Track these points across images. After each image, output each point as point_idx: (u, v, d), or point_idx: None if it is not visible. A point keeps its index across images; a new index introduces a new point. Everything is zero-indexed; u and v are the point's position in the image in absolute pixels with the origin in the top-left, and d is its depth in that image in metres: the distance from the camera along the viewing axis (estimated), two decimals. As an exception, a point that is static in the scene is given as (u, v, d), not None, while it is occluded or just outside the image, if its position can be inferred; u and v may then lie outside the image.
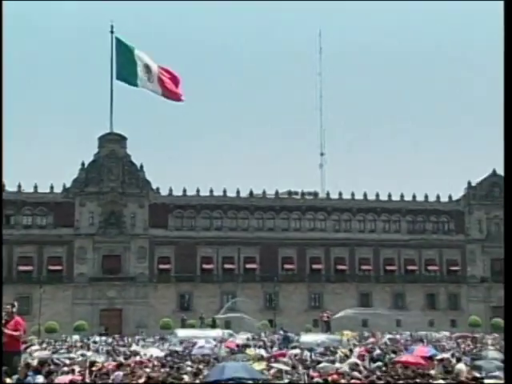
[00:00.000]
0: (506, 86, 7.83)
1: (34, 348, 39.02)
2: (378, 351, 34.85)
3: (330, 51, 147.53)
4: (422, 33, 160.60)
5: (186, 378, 21.13)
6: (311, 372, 22.32)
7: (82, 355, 33.73)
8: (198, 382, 19.41)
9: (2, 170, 21.16)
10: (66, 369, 22.48)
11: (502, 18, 8.59)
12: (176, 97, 52.82)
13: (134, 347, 44.83)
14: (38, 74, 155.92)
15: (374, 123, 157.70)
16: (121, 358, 32.35)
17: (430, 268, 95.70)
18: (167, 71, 53.74)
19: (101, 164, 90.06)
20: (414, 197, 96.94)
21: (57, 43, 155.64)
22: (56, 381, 18.14)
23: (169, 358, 33.02)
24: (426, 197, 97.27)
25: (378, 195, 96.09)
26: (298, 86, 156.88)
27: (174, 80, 52.50)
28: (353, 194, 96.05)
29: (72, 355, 35.73)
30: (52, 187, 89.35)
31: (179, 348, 43.78)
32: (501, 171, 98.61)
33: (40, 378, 17.45)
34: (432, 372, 22.28)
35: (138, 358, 31.96)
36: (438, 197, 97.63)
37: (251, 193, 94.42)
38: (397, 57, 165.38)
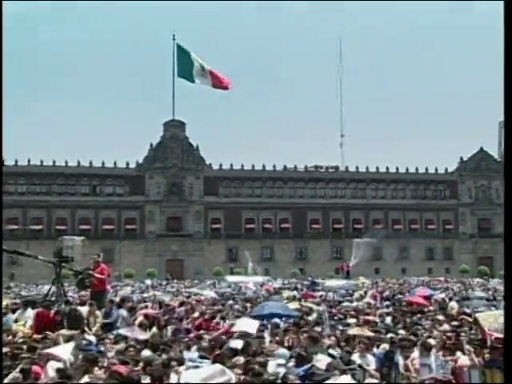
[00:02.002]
0: (505, 86, 7.18)
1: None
2: (387, 293, 34.92)
3: (350, 37, 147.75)
4: (430, 19, 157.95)
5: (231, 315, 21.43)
6: (333, 309, 22.52)
7: (153, 295, 34.28)
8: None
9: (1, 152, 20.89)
10: (141, 305, 22.83)
11: (502, 18, 7.70)
12: (224, 86, 53.56)
13: (192, 289, 45.22)
14: (120, 73, 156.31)
15: (387, 107, 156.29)
16: (183, 298, 32.78)
17: (429, 227, 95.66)
18: (214, 73, 54.62)
19: (165, 145, 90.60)
20: (416, 169, 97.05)
21: (134, 50, 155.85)
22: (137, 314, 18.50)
23: (220, 298, 33.39)
24: (426, 169, 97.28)
25: (387, 168, 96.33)
26: (321, 75, 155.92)
27: (222, 76, 53.49)
28: (367, 168, 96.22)
29: (145, 295, 36.27)
30: (128, 163, 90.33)
31: (228, 290, 44.15)
32: (487, 148, 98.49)
33: (124, 312, 17.78)
34: (430, 308, 22.49)
35: (196, 298, 32.37)
36: (436, 169, 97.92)
37: (285, 167, 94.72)
38: (406, 41, 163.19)
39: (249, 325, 14.23)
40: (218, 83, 53.63)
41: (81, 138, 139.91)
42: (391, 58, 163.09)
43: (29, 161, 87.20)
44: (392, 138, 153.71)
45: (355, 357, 11.77)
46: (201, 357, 11.28)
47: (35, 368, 9.55)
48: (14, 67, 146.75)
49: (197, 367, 9.42)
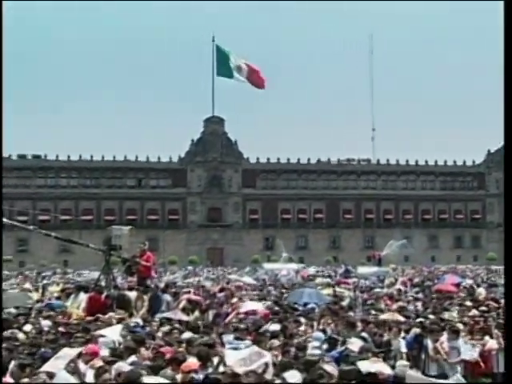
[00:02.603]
0: (505, 86, 6.93)
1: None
2: (417, 279, 34.70)
3: (380, 33, 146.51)
4: (456, 17, 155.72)
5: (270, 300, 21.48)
6: (366, 295, 22.45)
7: (195, 281, 34.55)
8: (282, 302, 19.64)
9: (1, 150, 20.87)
10: (184, 290, 23.00)
11: (502, 18, 7.28)
12: (260, 85, 53.85)
13: (232, 276, 45.40)
14: (161, 73, 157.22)
15: (416, 102, 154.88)
16: (223, 284, 32.95)
17: (457, 216, 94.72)
18: (251, 67, 54.87)
19: (205, 140, 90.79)
20: (445, 162, 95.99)
21: (174, 51, 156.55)
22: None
23: (258, 284, 33.48)
24: (455, 162, 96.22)
25: (416, 161, 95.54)
26: (352, 72, 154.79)
27: (257, 73, 53.81)
28: (397, 160, 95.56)
29: (188, 281, 36.55)
30: (171, 158, 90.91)
31: (265, 277, 44.21)
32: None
33: (168, 297, 17.96)
34: (459, 295, 22.28)
35: (235, 284, 32.51)
36: (464, 162, 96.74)
37: (319, 160, 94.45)
38: (433, 35, 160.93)
39: (254, 305, 14.27)
40: (255, 81, 53.99)
41: (127, 134, 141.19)
42: (420, 52, 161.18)
43: (80, 156, 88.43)
44: (421, 132, 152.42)
45: (387, 341, 11.75)
46: (236, 338, 11.35)
47: (91, 346, 9.72)
48: (65, 67, 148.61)
49: (235, 349, 9.48)
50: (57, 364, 8.12)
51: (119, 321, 13.73)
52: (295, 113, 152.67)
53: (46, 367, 8.13)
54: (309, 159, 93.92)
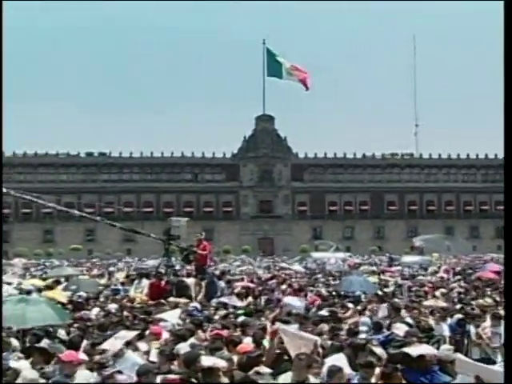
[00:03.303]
0: (505, 86, 6.49)
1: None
2: (458, 268, 34.16)
3: (423, 27, 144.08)
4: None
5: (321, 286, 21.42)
6: (409, 282, 22.20)
7: (248, 269, 34.74)
8: (330, 289, 19.59)
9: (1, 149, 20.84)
10: (237, 277, 23.16)
11: (502, 18, 6.85)
12: (306, 86, 54.07)
13: (282, 264, 45.44)
14: (215, 74, 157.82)
15: (457, 96, 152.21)
16: (274, 272, 33.04)
17: (498, 208, 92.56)
18: (298, 68, 55.10)
19: (257, 136, 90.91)
20: (486, 155, 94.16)
21: (229, 52, 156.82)
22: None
23: (307, 272, 33.46)
24: (496, 155, 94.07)
25: (458, 154, 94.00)
26: (396, 68, 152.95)
27: (304, 74, 54.11)
28: (439, 154, 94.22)
29: (241, 268, 36.78)
30: (224, 154, 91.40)
31: (313, 265, 44.13)
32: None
33: (223, 284, 18.10)
34: (501, 282, 21.82)
35: (285, 271, 32.56)
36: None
37: (364, 155, 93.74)
38: (475, 30, 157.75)
39: (294, 301, 14.16)
40: (301, 82, 54.18)
41: (184, 132, 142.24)
42: (462, 50, 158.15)
43: (141, 153, 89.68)
44: (462, 126, 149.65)
45: (431, 326, 11.61)
46: (284, 322, 11.33)
47: (155, 328, 9.85)
48: (129, 69, 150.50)
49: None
50: (115, 343, 8.26)
51: (178, 305, 13.88)
52: (342, 110, 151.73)
53: (106, 345, 8.30)
54: (354, 154, 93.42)
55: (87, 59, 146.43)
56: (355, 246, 78.72)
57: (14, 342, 8.98)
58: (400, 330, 10.13)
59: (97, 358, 7.92)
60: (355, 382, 6.96)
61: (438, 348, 9.24)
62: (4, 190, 18.69)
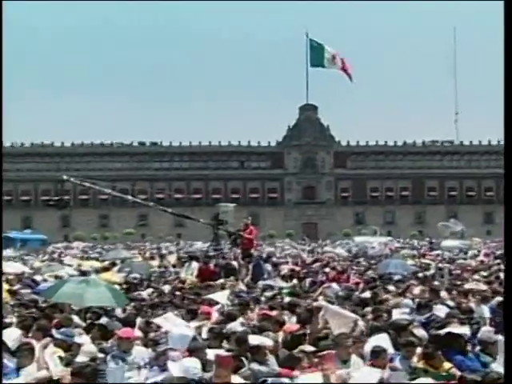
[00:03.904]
0: (505, 86, 6.18)
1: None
2: (499, 252, 33.50)
3: (464, 15, 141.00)
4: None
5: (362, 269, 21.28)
6: (450, 266, 21.88)
7: (293, 252, 34.75)
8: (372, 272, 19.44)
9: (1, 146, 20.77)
10: (283, 261, 23.21)
11: (502, 18, 6.50)
12: (349, 76, 53.59)
13: (325, 248, 45.32)
14: (260, 65, 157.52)
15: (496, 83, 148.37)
16: (317, 255, 32.99)
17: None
18: (341, 59, 54.69)
19: (300, 125, 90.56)
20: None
21: (272, 46, 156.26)
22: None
23: (349, 255, 33.31)
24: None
25: (498, 141, 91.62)
26: (436, 58, 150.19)
27: (346, 65, 53.66)
28: (480, 141, 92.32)
29: (286, 252, 36.82)
30: (269, 142, 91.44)
31: (356, 249, 43.85)
32: None
33: (269, 266, 18.14)
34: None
35: (328, 255, 32.47)
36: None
37: (405, 142, 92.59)
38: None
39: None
40: (344, 72, 53.74)
41: (231, 121, 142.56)
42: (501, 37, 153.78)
43: (190, 142, 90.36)
44: (501, 113, 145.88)
45: (471, 308, 11.43)
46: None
47: (205, 308, 9.95)
48: (177, 62, 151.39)
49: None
50: (166, 323, 8.38)
51: (225, 287, 13.96)
52: (383, 99, 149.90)
53: (158, 322, 8.43)
54: (395, 141, 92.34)
55: (138, 50, 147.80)
56: (396, 231, 77.99)
57: (76, 319, 9.20)
58: (441, 311, 10.02)
59: (151, 335, 8.06)
60: (397, 361, 6.91)
61: (478, 330, 9.11)
62: (64, 178, 19.12)
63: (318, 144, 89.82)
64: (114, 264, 21.76)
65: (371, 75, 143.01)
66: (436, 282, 14.81)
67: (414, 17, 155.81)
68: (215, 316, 9.66)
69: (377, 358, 6.68)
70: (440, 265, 20.63)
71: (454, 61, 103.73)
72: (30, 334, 7.85)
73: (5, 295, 11.04)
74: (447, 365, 6.62)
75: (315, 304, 9.42)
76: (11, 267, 19.25)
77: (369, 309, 10.57)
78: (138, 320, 9.32)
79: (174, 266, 21.26)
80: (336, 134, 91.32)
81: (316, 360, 6.74)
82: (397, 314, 10.16)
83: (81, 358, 6.95)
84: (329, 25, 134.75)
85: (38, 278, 16.85)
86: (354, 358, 7.01)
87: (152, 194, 70.53)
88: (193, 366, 5.99)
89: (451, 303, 11.40)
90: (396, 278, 16.65)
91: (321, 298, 11.62)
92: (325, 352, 5.43)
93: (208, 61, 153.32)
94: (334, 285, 13.92)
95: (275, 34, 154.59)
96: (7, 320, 9.22)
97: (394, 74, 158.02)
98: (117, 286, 13.13)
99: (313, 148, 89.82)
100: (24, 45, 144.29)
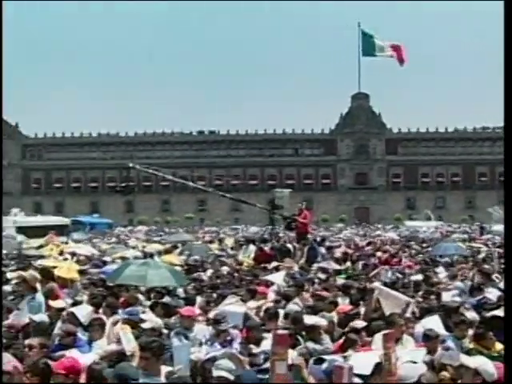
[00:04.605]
0: (505, 86, 5.84)
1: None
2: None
3: None
4: None
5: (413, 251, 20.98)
6: (500, 250, 21.36)
7: (346, 236, 34.57)
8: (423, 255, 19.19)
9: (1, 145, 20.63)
10: (336, 244, 23.11)
11: (502, 18, 6.12)
12: (401, 60, 52.69)
13: (377, 232, 44.97)
14: (313, 56, 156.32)
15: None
16: (370, 239, 32.69)
17: None
18: (394, 45, 53.64)
19: (352, 113, 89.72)
20: None
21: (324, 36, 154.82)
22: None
23: (401, 239, 32.86)
24: None
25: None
26: (485, 44, 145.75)
27: (400, 49, 52.65)
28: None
29: (339, 236, 36.65)
30: (322, 130, 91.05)
31: (407, 233, 43.33)
32: None
33: (323, 249, 18.09)
34: None
35: (380, 239, 32.17)
36: None
37: (455, 129, 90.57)
38: None
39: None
40: (397, 58, 52.81)
41: (285, 109, 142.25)
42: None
43: (246, 131, 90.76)
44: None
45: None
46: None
47: (262, 289, 10.02)
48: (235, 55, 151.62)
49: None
50: (226, 303, 8.49)
51: (279, 268, 13.98)
52: (434, 86, 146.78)
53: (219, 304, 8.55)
54: (446, 128, 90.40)
55: (198, 44, 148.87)
56: (447, 216, 76.46)
57: (141, 298, 9.42)
58: (492, 294, 9.82)
59: (211, 314, 8.18)
60: (449, 343, 6.82)
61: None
62: (130, 165, 19.52)
63: (369, 131, 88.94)
64: (175, 247, 22.12)
65: (422, 62, 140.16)
66: (487, 266, 14.47)
67: (465, 3, 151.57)
68: (271, 296, 9.72)
69: (428, 340, 6.59)
70: (490, 248, 20.16)
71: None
72: (100, 311, 8.09)
73: (75, 275, 11.38)
74: (499, 346, 6.48)
75: (369, 286, 9.37)
76: (81, 249, 19.82)
77: (420, 291, 10.46)
78: (199, 299, 9.47)
79: (231, 249, 21.47)
80: (387, 122, 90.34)
81: (369, 339, 6.73)
82: (448, 297, 10.02)
83: (147, 326, 7.15)
84: (380, 13, 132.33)
85: (105, 259, 17.29)
86: (405, 337, 6.96)
87: (210, 181, 71.31)
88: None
89: (502, 286, 11.14)
90: (447, 260, 16.38)
91: (374, 280, 11.57)
92: (386, 331, 5.39)
93: (262, 51, 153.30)
94: (387, 267, 13.80)
95: (328, 23, 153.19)
96: (78, 298, 9.55)
97: (444, 61, 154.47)
98: (178, 268, 13.38)
99: (365, 135, 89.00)
100: (89, 37, 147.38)
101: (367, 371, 4.85)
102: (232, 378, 5.11)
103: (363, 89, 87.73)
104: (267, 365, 5.41)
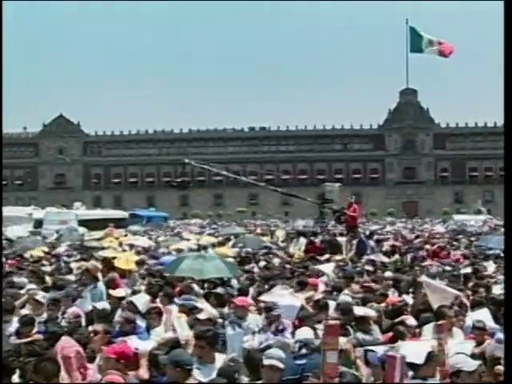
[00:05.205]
0: (506, 86, 5.50)
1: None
2: None
3: None
4: None
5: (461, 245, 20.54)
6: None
7: (394, 230, 34.10)
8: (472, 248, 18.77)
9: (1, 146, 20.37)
10: (384, 237, 22.83)
11: (502, 18, 5.87)
12: (447, 54, 51.90)
13: (425, 226, 44.22)
14: (361, 52, 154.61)
15: None
16: (418, 232, 32.16)
17: None
18: (441, 42, 52.83)
19: (400, 109, 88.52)
20: None
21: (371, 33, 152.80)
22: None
23: (449, 233, 32.24)
24: None
25: None
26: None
27: (449, 48, 51.80)
28: None
29: (388, 229, 36.15)
30: (371, 125, 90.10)
31: (455, 226, 42.48)
32: None
33: (371, 243, 17.92)
34: None
35: (428, 232, 31.61)
36: None
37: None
38: None
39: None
40: (443, 52, 52.02)
41: (335, 105, 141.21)
42: None
43: (296, 127, 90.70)
44: None
45: None
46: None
47: (312, 280, 9.99)
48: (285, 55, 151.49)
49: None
50: (271, 296, 8.50)
51: (329, 260, 13.91)
52: (481, 80, 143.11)
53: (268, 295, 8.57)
54: (495, 122, 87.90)
55: (251, 42, 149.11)
56: (495, 210, 74.39)
57: (196, 288, 9.53)
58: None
59: (262, 304, 8.21)
60: (499, 335, 6.65)
61: None
62: (186, 161, 19.79)
63: (417, 126, 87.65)
64: (228, 239, 22.27)
65: (470, 58, 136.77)
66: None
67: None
68: (322, 287, 9.68)
69: (477, 332, 6.45)
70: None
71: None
72: (157, 300, 8.22)
73: (133, 266, 11.61)
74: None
75: (419, 279, 9.23)
76: (139, 241, 20.20)
77: (470, 284, 10.23)
78: (251, 290, 9.52)
79: (282, 242, 21.48)
80: (435, 116, 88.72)
81: (417, 331, 6.65)
82: (497, 290, 9.76)
83: (203, 316, 7.23)
84: (429, 9, 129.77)
85: (161, 250, 17.56)
86: (455, 329, 6.83)
87: (261, 176, 71.36)
88: (307, 334, 6.06)
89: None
90: (496, 253, 15.97)
91: (423, 273, 11.39)
92: (439, 322, 5.32)
93: (310, 48, 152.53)
94: (435, 261, 13.57)
95: (376, 20, 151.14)
96: (136, 288, 9.73)
97: (492, 56, 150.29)
98: (231, 259, 13.48)
99: (413, 130, 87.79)
100: (147, 35, 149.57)
101: (420, 360, 4.78)
102: (282, 366, 5.13)
103: (411, 84, 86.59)
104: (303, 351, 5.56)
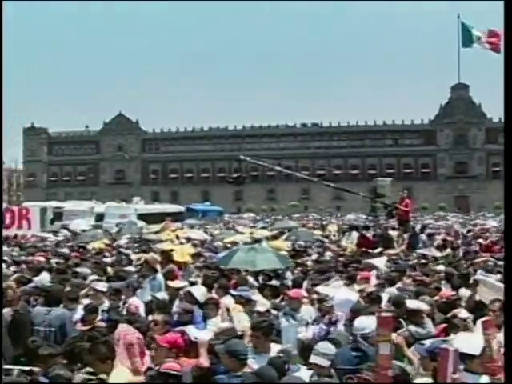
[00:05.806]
0: (506, 86, 5.17)
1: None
2: None
3: None
4: None
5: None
6: None
7: (446, 224, 33.30)
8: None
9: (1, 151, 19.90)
10: (436, 231, 22.32)
11: (502, 18, 5.67)
12: (497, 49, 50.27)
13: (477, 220, 43.02)
14: (410, 49, 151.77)
15: None
16: (469, 226, 31.34)
17: None
18: (491, 33, 51.09)
19: (452, 104, 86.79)
20: None
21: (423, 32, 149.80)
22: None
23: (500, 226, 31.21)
24: None
25: None
26: None
27: (497, 37, 50.11)
28: None
29: (439, 224, 35.38)
30: (422, 120, 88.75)
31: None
32: None
33: (423, 237, 17.57)
34: None
35: (480, 227, 30.72)
36: None
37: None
38: None
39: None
40: (494, 47, 50.54)
41: (386, 100, 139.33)
42: None
43: (348, 123, 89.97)
44: None
45: None
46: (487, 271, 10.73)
47: (364, 273, 9.87)
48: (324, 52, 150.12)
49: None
50: (326, 289, 8.43)
51: (381, 254, 13.71)
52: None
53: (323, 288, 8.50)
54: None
55: (296, 38, 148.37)
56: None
57: (251, 280, 9.56)
58: None
59: (315, 296, 8.16)
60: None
61: None
62: (241, 157, 19.92)
63: (469, 121, 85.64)
64: (281, 233, 22.26)
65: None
66: None
67: None
68: (374, 281, 9.56)
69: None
70: None
71: None
72: (213, 291, 8.28)
73: (188, 258, 11.75)
74: None
75: (471, 274, 8.99)
76: (195, 234, 20.43)
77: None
78: (305, 282, 9.48)
79: (334, 235, 21.34)
80: (487, 111, 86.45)
81: (471, 325, 6.46)
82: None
83: (262, 308, 7.26)
84: (481, 5, 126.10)
85: (216, 243, 17.70)
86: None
87: (313, 171, 70.97)
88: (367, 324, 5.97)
89: None
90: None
91: (475, 267, 11.09)
92: (485, 318, 5.16)
93: (361, 45, 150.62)
94: (489, 256, 13.19)
95: (428, 17, 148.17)
96: (191, 279, 9.83)
97: None
98: (284, 252, 13.47)
99: (464, 125, 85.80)
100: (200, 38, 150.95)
101: (476, 351, 4.64)
102: (327, 363, 5.02)
103: (463, 79, 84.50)
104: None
